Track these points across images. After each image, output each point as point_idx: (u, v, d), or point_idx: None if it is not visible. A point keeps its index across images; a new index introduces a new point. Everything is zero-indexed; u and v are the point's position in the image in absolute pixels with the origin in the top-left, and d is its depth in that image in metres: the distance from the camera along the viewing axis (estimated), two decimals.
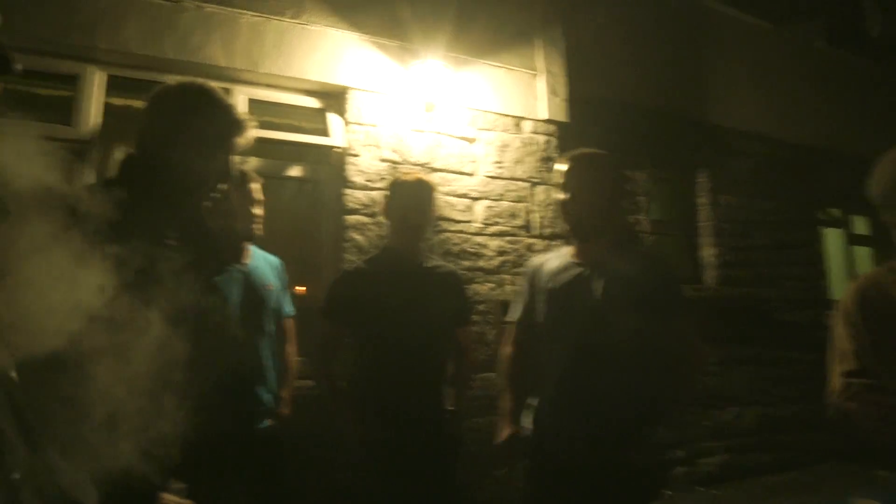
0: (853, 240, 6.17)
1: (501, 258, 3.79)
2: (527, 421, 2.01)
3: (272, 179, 3.17)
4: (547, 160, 4.01)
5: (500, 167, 3.89)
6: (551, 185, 3.74)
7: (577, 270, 1.97)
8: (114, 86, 3.03)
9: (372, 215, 3.40)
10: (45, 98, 2.89)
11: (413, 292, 2.34)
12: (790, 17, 5.91)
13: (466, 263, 3.61)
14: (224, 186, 1.42)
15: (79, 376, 0.84)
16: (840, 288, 5.59)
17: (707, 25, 5.37)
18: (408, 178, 2.53)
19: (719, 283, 5.01)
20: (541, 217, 3.96)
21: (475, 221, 3.75)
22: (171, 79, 1.45)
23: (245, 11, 3.26)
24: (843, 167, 5.47)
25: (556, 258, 2.08)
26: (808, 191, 5.72)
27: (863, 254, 6.15)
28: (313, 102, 3.54)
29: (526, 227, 3.92)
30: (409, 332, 2.28)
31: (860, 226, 6.21)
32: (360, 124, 3.50)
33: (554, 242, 3.81)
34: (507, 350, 2.19)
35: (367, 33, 3.57)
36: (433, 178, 3.04)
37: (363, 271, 2.46)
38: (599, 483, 1.78)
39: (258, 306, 2.39)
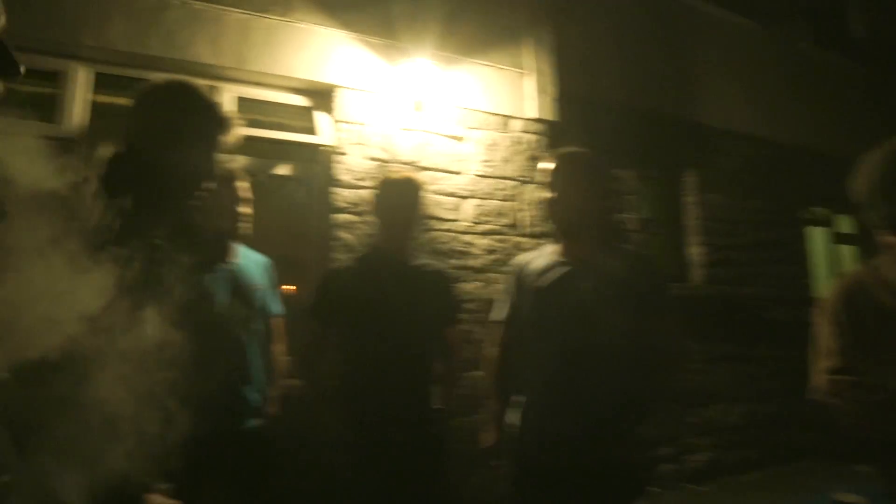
0: (838, 238, 6.25)
1: (490, 257, 3.80)
2: (513, 418, 2.01)
3: (260, 178, 3.15)
4: (535, 159, 4.01)
5: (488, 166, 3.90)
6: (539, 183, 3.76)
7: (563, 269, 1.97)
8: (100, 83, 3.01)
9: (360, 214, 3.40)
10: (28, 95, 2.86)
11: (401, 291, 2.33)
12: (776, 18, 5.96)
13: (455, 262, 3.62)
14: (210, 185, 1.41)
15: (62, 376, 0.83)
16: (825, 286, 5.66)
17: (694, 25, 5.41)
18: (396, 176, 2.53)
19: (705, 281, 5.05)
20: (529, 216, 3.97)
21: (463, 220, 3.76)
22: (158, 76, 1.44)
23: (232, 9, 3.24)
24: (828, 167, 5.50)
25: (541, 257, 2.08)
26: (793, 190, 5.78)
27: (847, 252, 6.24)
28: (301, 100, 3.53)
29: (514, 226, 3.93)
30: (398, 330, 2.27)
31: (844, 225, 6.29)
32: (348, 122, 3.49)
33: (542, 241, 3.82)
34: (492, 351, 2.19)
35: (355, 31, 3.56)
36: (421, 176, 3.05)
37: (351, 270, 2.46)
38: (585, 481, 1.79)
39: (246, 305, 2.38)
